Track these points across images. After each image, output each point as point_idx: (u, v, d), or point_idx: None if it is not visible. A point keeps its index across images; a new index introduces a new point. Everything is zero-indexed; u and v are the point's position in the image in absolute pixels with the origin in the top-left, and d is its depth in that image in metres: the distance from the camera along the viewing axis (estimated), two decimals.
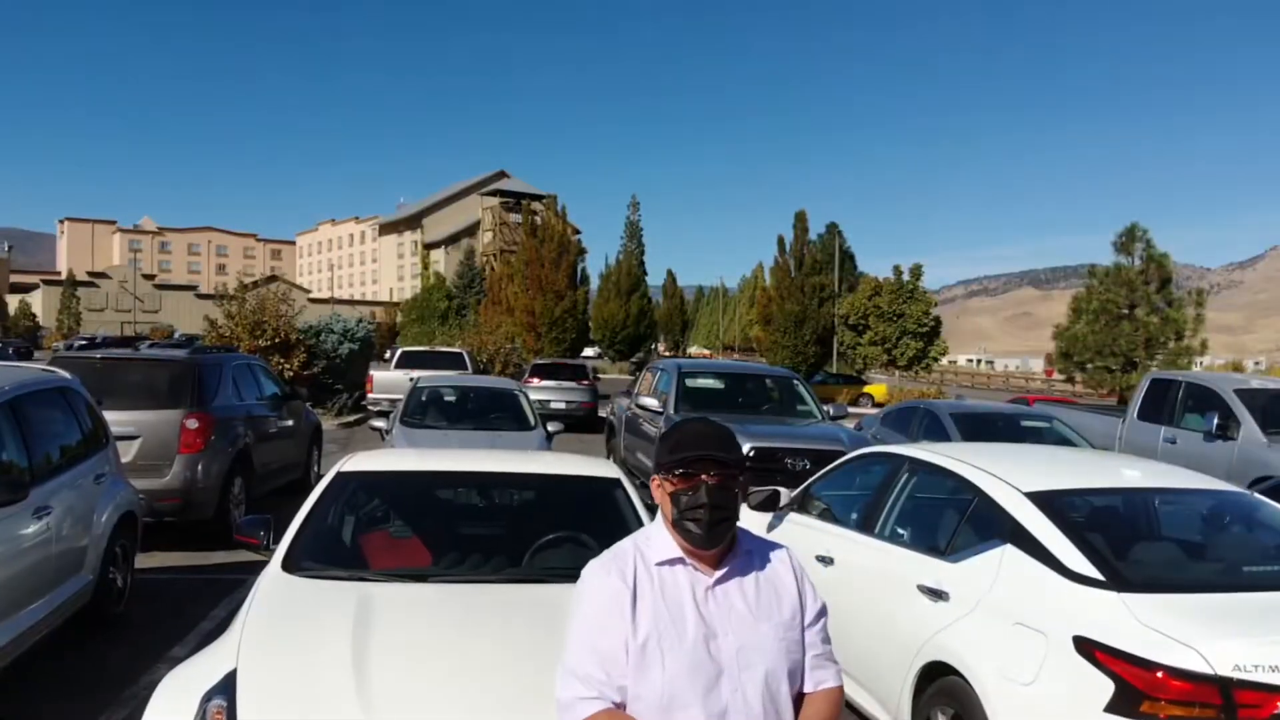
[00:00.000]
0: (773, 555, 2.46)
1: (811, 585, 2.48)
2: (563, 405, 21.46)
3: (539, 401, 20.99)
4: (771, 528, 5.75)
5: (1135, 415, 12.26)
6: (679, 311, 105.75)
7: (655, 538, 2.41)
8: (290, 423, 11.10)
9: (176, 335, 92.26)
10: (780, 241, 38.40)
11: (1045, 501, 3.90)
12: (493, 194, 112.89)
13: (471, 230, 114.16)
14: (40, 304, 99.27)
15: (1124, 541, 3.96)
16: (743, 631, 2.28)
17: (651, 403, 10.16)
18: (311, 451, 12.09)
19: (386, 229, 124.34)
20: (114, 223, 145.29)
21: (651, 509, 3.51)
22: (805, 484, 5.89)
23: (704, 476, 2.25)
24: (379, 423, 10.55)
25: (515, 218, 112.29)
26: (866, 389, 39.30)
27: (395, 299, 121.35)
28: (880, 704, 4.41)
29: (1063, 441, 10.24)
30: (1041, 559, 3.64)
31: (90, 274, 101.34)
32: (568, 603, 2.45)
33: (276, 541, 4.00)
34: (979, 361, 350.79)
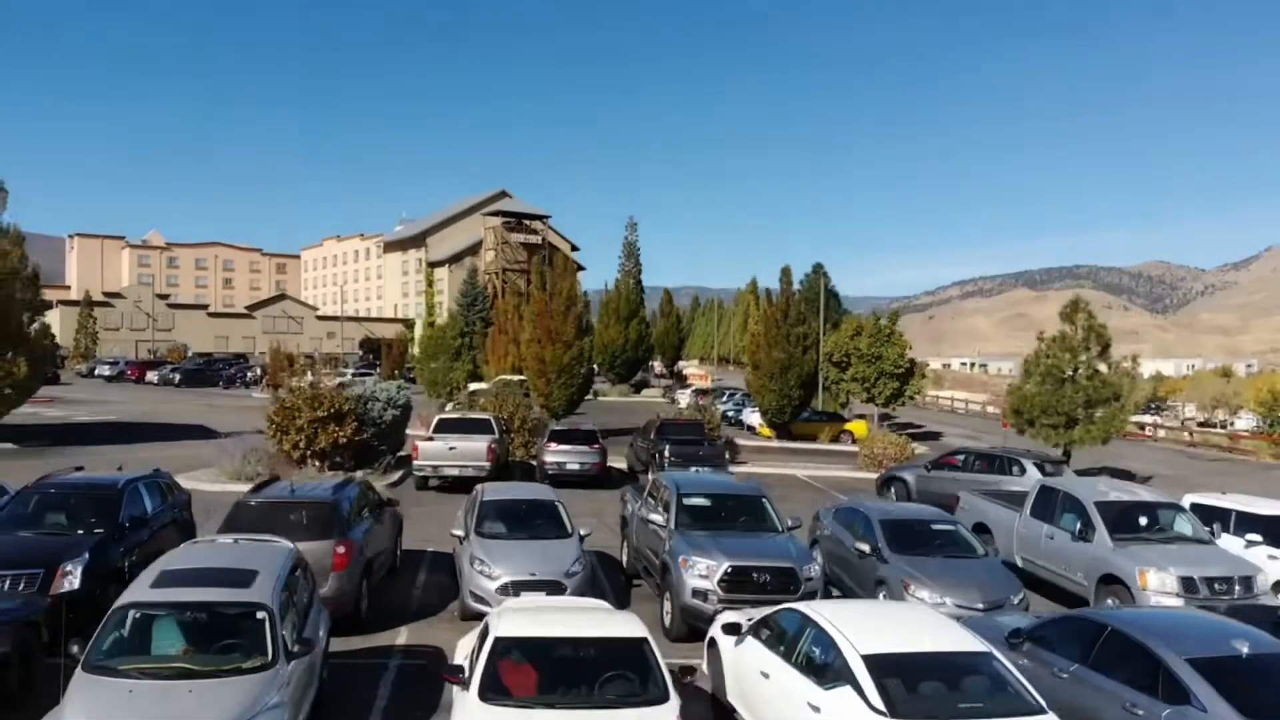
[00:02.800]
0: None
1: None
2: (577, 466, 24.98)
3: (557, 463, 24.66)
4: (736, 645, 9.37)
5: (1028, 513, 15.86)
6: (675, 329, 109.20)
7: None
8: (386, 525, 14.68)
9: (189, 353, 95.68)
10: (768, 293, 42.02)
11: (869, 659, 7.50)
12: (494, 214, 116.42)
13: (474, 249, 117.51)
14: (58, 324, 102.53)
15: (909, 686, 7.53)
16: None
17: (657, 518, 13.71)
18: (398, 542, 15.65)
19: (391, 247, 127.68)
20: (123, 238, 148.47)
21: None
22: (755, 619, 9.50)
23: None
24: (457, 530, 14.02)
25: (517, 237, 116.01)
26: (848, 426, 42.93)
27: (399, 315, 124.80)
28: None
29: (963, 543, 13.80)
30: (861, 696, 7.25)
31: (105, 294, 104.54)
32: None
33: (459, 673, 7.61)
34: (973, 365, 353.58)
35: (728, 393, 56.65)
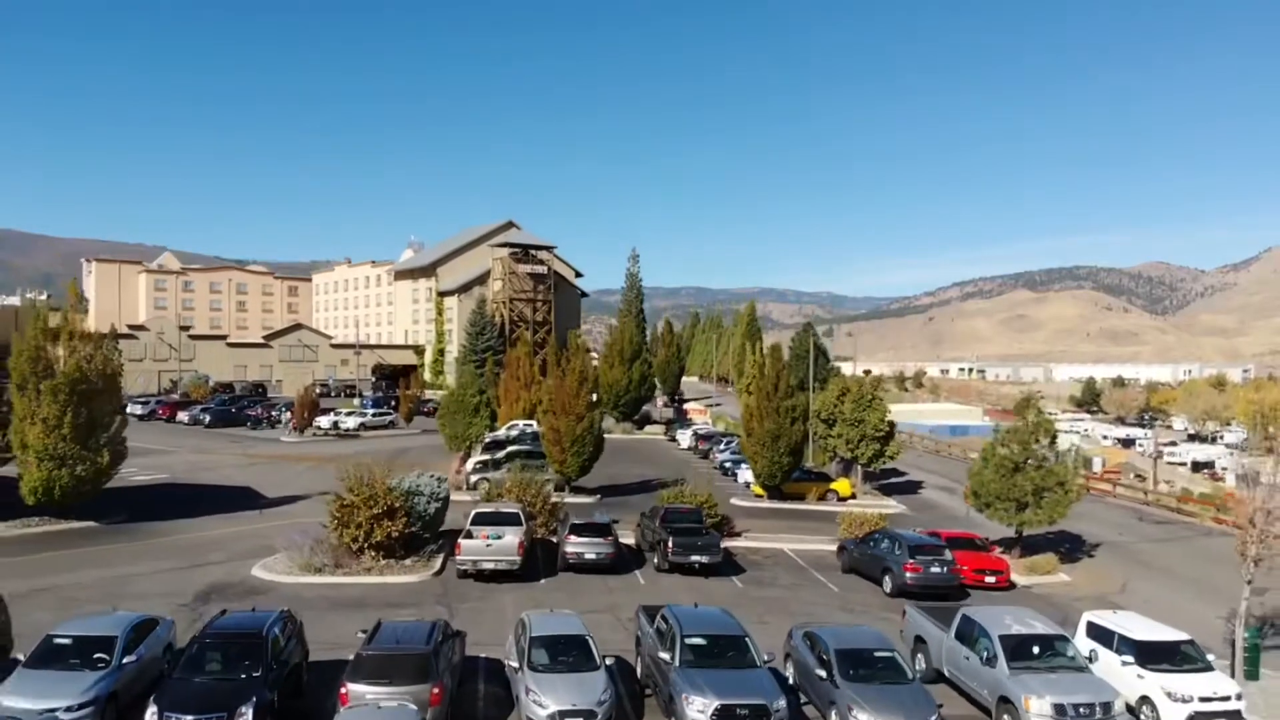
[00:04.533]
0: None
1: None
2: (594, 556, 29.29)
3: (576, 553, 28.96)
4: None
5: (952, 635, 20.20)
6: (675, 358, 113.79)
7: None
8: (458, 650, 19.05)
9: (210, 383, 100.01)
10: (760, 366, 46.39)
11: None
12: (502, 245, 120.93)
13: (482, 279, 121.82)
14: None
15: None
16: None
17: (665, 655, 18.05)
18: (463, 656, 19.98)
19: (402, 275, 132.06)
20: (140, 263, 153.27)
21: None
22: None
23: None
24: (512, 660, 18.33)
25: (524, 268, 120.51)
26: (833, 486, 47.29)
27: (410, 341, 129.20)
28: None
29: (898, 668, 18.11)
30: None
31: (130, 326, 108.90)
32: None
33: None
34: (971, 370, 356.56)
35: (724, 441, 60.81)
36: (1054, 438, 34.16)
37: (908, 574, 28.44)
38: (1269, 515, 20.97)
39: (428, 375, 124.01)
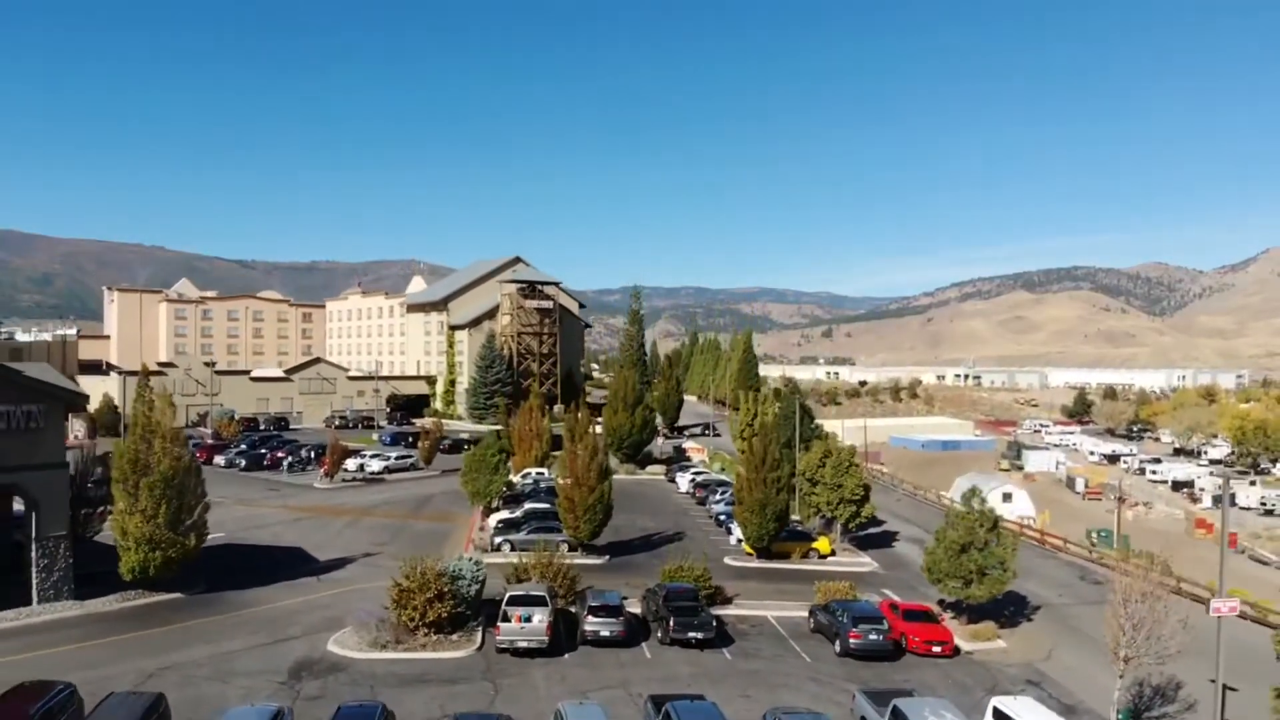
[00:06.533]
0: None
1: None
2: (608, 633, 35.44)
3: (594, 631, 35.14)
4: None
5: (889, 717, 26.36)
6: (675, 390, 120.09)
7: None
8: None
9: (235, 417, 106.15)
10: (750, 444, 52.60)
11: None
12: (510, 281, 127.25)
13: (491, 313, 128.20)
14: (116, 391, 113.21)
15: None
16: None
17: None
18: None
19: (414, 308, 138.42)
20: (160, 292, 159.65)
21: None
22: None
23: None
24: None
25: (531, 303, 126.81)
26: (815, 545, 53.42)
27: (422, 372, 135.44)
28: None
29: None
30: None
31: (160, 364, 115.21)
32: None
33: None
34: (966, 377, 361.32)
35: (720, 490, 66.99)
36: (995, 523, 40.28)
37: (851, 640, 35.30)
38: (1135, 626, 27.10)
39: (439, 405, 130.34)
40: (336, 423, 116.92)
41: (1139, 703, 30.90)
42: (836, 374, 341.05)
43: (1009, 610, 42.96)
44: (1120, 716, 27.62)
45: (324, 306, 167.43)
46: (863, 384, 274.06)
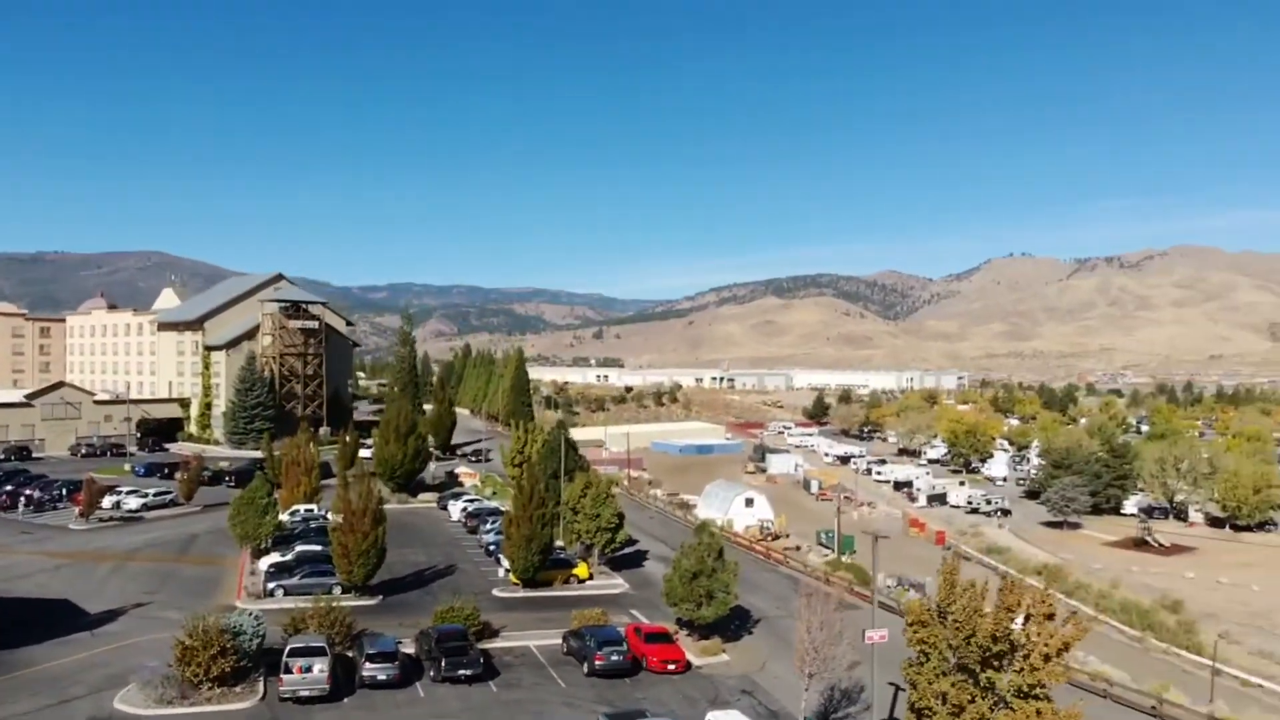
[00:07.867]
0: None
1: None
2: (385, 677, 39.26)
3: (371, 676, 38.90)
4: None
5: None
6: (448, 412, 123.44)
7: None
8: None
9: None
10: (519, 482, 57.67)
11: None
12: (272, 301, 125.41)
13: (251, 334, 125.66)
14: None
15: None
16: None
17: None
18: None
19: (165, 326, 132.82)
20: None
21: None
22: None
23: None
24: None
25: (295, 323, 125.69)
26: (575, 571, 59.16)
27: (175, 394, 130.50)
28: None
29: None
30: None
31: None
32: None
33: None
34: (721, 380, 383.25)
35: (490, 520, 71.51)
36: (721, 552, 47.61)
37: (597, 662, 41.42)
38: (816, 649, 34.52)
39: (194, 429, 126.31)
40: (83, 451, 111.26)
41: (828, 706, 38.55)
42: (606, 377, 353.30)
43: (734, 625, 50.38)
44: None
45: (64, 320, 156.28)
46: (629, 389, 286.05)
